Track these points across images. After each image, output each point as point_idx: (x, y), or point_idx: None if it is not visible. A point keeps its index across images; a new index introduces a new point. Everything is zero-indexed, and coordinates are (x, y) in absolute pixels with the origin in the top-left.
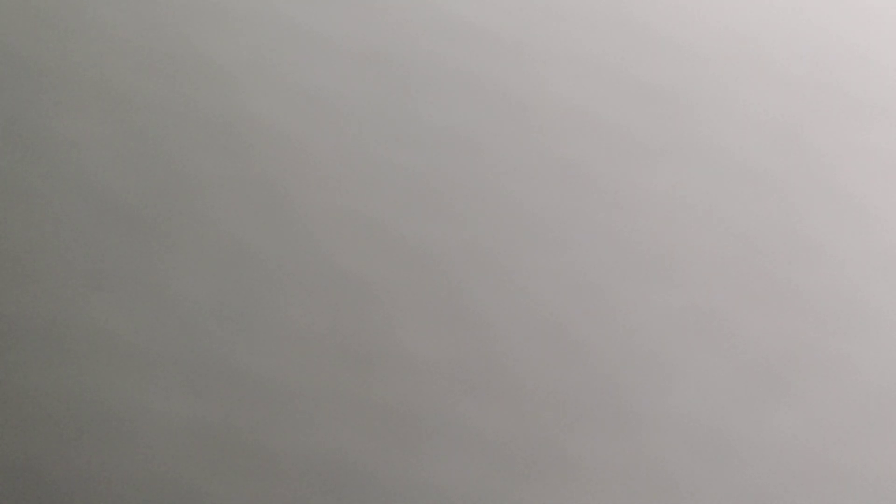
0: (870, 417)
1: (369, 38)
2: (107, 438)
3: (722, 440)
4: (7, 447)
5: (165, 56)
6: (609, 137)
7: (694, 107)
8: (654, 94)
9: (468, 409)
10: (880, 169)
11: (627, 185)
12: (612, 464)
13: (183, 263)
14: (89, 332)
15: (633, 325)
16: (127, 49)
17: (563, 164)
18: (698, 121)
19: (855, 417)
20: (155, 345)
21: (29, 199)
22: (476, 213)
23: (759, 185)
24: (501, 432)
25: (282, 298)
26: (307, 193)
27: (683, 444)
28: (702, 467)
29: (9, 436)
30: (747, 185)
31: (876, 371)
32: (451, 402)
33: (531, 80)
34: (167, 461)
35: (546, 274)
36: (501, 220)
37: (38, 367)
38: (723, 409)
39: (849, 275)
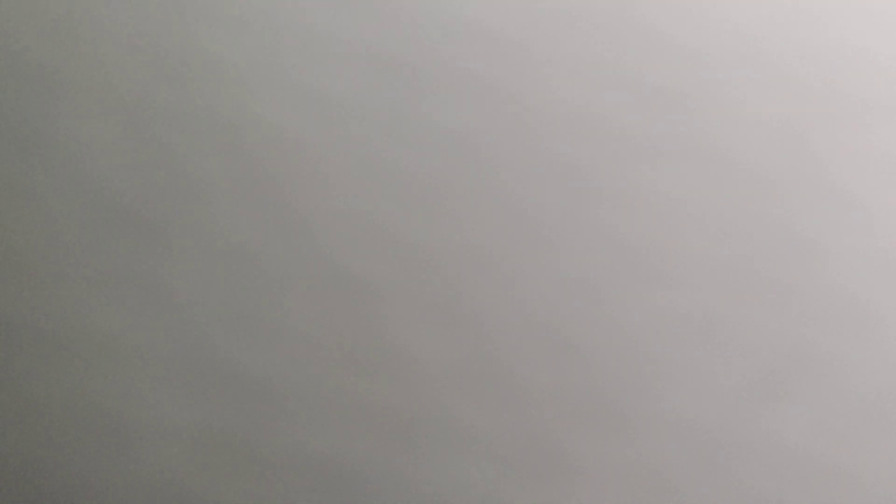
0: (870, 420)
1: (375, 41)
2: (110, 442)
3: (722, 442)
4: (10, 451)
5: (171, 59)
6: (611, 139)
7: (696, 108)
8: (657, 96)
9: (469, 410)
10: (883, 171)
11: (629, 186)
12: (613, 466)
13: (186, 266)
14: (92, 336)
15: (633, 326)
16: (132, 52)
17: (566, 166)
18: (700, 122)
19: (855, 420)
20: (158, 348)
21: (33, 202)
22: (479, 214)
23: (760, 186)
24: (502, 434)
25: (286, 301)
26: (311, 196)
27: (683, 446)
28: (701, 469)
29: (11, 439)
30: (749, 186)
31: (876, 373)
32: (452, 404)
33: (535, 81)
34: (170, 465)
35: (547, 275)
36: (504, 222)
37: (40, 370)
38: (723, 411)
39: (849, 277)
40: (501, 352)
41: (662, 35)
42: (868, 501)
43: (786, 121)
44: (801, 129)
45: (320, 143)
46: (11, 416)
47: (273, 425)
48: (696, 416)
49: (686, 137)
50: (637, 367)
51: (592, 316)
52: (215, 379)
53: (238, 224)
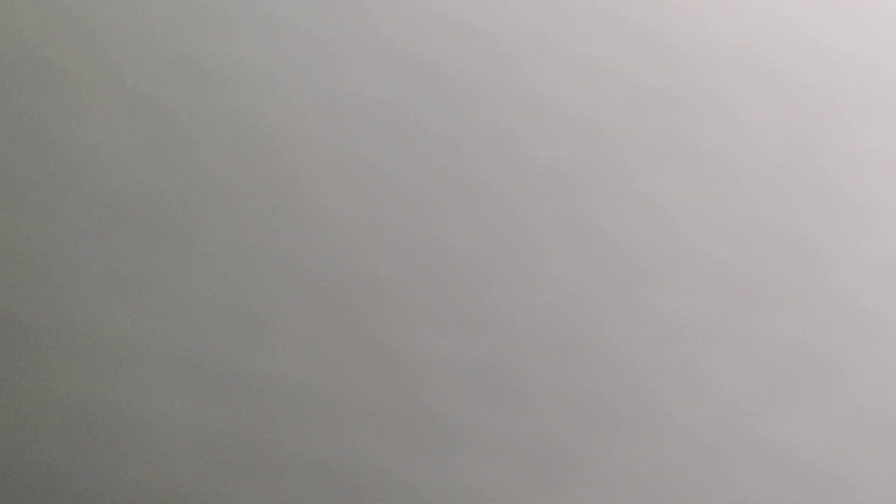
0: (871, 423)
1: (380, 44)
2: (115, 441)
3: (723, 444)
4: (20, 450)
5: (180, 61)
6: (612, 142)
7: (695, 111)
8: (656, 98)
9: (472, 411)
10: (882, 173)
11: (630, 189)
12: (615, 468)
13: (197, 267)
14: (104, 336)
15: (635, 329)
16: (143, 54)
17: (568, 168)
18: (699, 125)
19: (856, 423)
20: (169, 348)
21: (42, 201)
22: (481, 216)
23: (760, 189)
24: (504, 435)
25: (296, 302)
26: (321, 197)
27: (684, 448)
28: (702, 472)
29: (21, 438)
30: (749, 189)
31: (877, 376)
32: (455, 405)
33: (535, 84)
34: (176, 464)
35: (548, 277)
36: (506, 224)
37: (48, 369)
38: (724, 413)
39: (850, 280)
40: (503, 353)
41: (661, 37)
42: None
43: (785, 123)
44: (801, 131)
45: (329, 144)
46: (23, 415)
47: (286, 427)
48: (698, 419)
49: (686, 140)
50: (639, 370)
51: (594, 319)
52: (222, 379)
53: (248, 225)
